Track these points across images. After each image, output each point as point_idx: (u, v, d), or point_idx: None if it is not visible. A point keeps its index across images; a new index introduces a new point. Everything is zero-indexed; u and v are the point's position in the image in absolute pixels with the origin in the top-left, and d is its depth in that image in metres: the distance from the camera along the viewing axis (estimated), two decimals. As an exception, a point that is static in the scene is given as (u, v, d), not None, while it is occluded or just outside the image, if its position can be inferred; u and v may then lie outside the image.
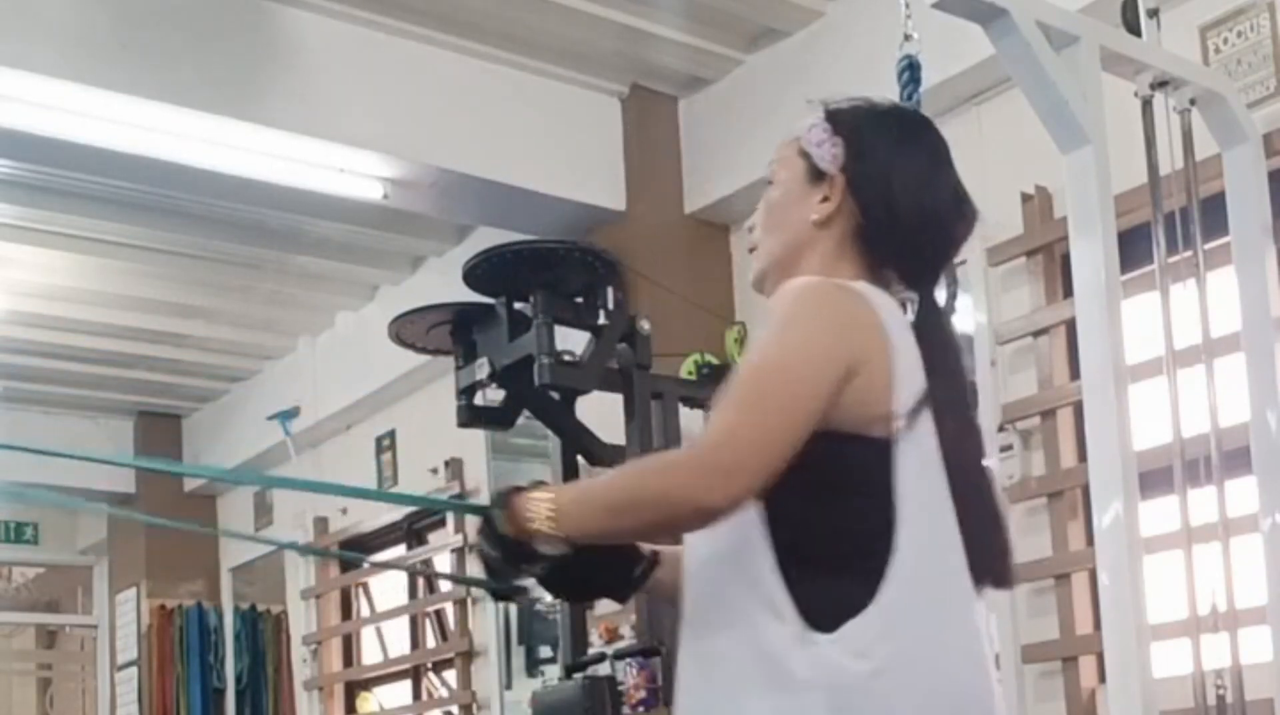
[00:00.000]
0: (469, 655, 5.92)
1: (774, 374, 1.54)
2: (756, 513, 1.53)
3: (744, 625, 1.54)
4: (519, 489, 1.64)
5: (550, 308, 3.77)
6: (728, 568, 1.57)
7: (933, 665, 1.53)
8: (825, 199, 1.69)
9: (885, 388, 1.55)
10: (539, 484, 1.65)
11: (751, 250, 1.79)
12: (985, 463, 1.68)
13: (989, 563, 1.62)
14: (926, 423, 1.59)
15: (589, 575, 1.72)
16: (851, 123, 1.74)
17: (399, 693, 6.74)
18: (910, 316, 1.66)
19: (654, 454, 1.54)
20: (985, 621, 1.64)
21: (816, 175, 1.72)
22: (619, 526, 1.60)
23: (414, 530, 6.52)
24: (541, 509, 1.58)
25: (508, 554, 1.63)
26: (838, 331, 1.55)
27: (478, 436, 5.50)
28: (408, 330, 5.02)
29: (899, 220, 1.67)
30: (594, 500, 1.60)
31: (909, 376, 1.58)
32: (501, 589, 1.73)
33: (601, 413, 3.93)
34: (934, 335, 1.65)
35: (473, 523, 1.72)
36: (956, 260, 1.76)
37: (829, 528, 1.55)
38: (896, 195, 1.68)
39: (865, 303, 1.59)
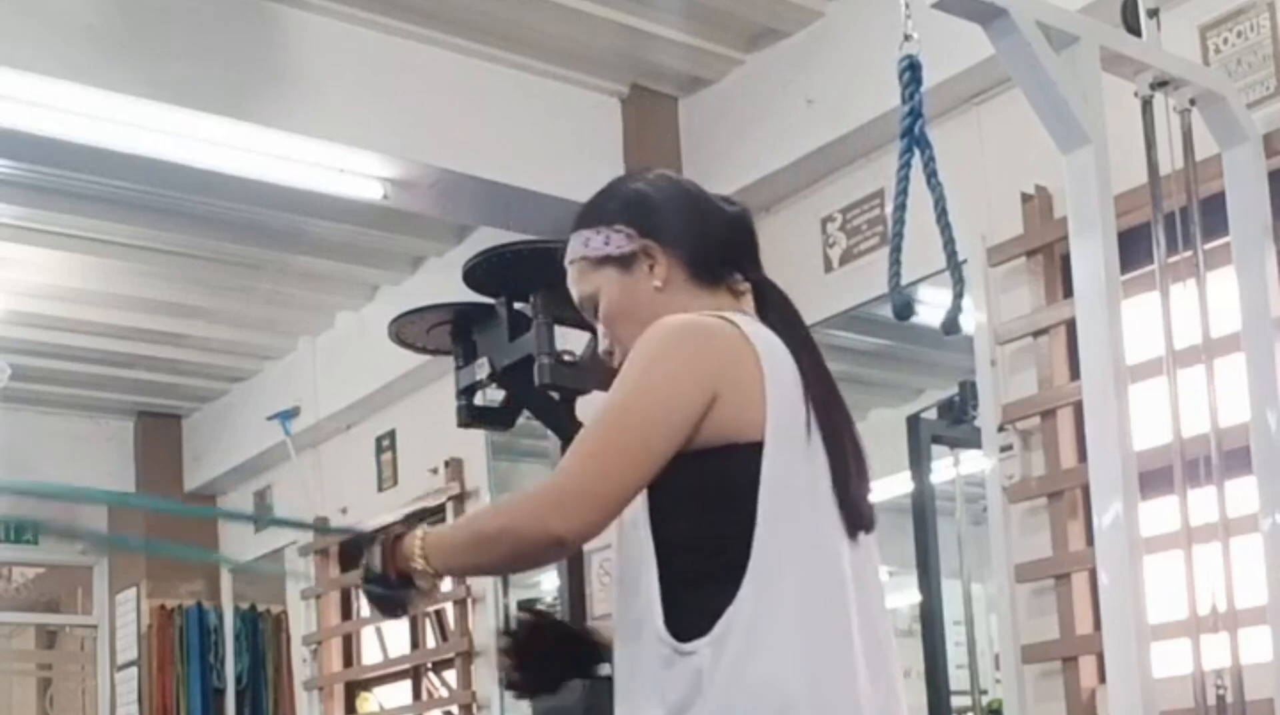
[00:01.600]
0: (469, 655, 5.92)
1: (626, 413, 1.64)
2: (647, 534, 1.64)
3: (638, 644, 1.66)
4: (400, 534, 1.75)
5: (550, 308, 3.77)
6: (630, 589, 1.68)
7: (790, 666, 1.58)
8: (651, 268, 1.79)
9: (757, 401, 1.63)
10: (417, 524, 1.78)
11: (610, 353, 1.85)
12: (859, 442, 1.76)
13: (855, 511, 1.69)
14: (800, 420, 1.66)
15: (552, 670, 1.90)
16: (605, 210, 1.85)
17: (399, 693, 6.75)
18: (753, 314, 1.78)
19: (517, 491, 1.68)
20: (866, 625, 1.67)
21: (625, 263, 1.80)
22: (479, 561, 1.78)
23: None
24: (415, 547, 1.71)
25: (386, 592, 1.75)
26: (696, 363, 1.64)
27: (478, 436, 5.50)
28: (408, 330, 5.02)
29: (707, 227, 1.81)
30: (457, 537, 1.76)
31: (781, 382, 1.66)
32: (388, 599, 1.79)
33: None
34: (785, 317, 1.79)
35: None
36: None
37: (702, 540, 1.63)
38: (687, 214, 1.82)
39: (726, 325, 1.68)
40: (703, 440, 1.62)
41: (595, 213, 1.86)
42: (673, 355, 1.65)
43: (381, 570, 1.73)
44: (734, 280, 1.82)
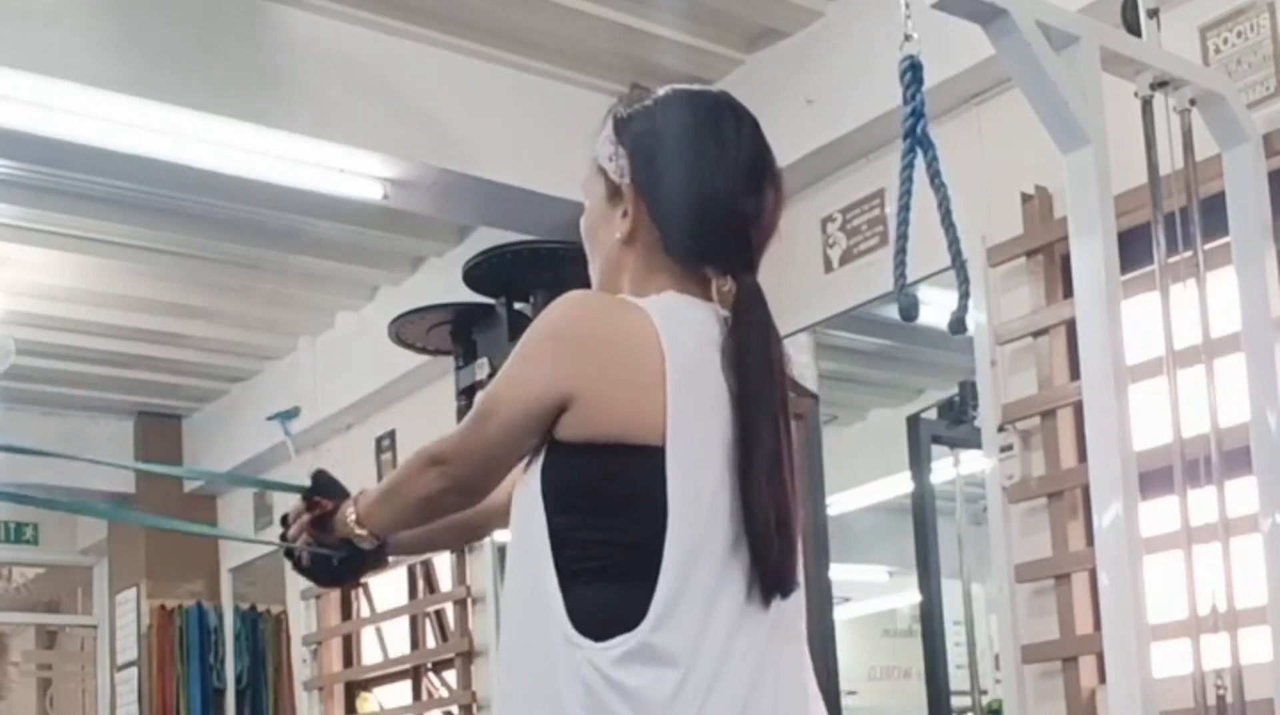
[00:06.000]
0: (469, 655, 5.93)
1: (489, 394, 1.66)
2: (544, 528, 1.58)
3: (531, 630, 1.58)
4: (328, 511, 1.90)
5: (550, 308, 3.76)
6: (522, 578, 1.61)
7: (698, 688, 1.51)
8: (625, 214, 1.68)
9: (647, 404, 1.54)
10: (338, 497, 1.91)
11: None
12: (783, 461, 1.61)
13: (766, 570, 1.57)
14: (714, 427, 1.57)
15: (336, 564, 1.93)
16: (633, 127, 1.71)
17: (399, 693, 6.75)
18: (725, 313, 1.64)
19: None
20: (772, 632, 1.59)
21: (614, 192, 1.69)
22: (401, 513, 1.81)
23: (414, 530, 6.52)
24: (349, 517, 1.84)
25: (328, 564, 1.92)
26: (552, 363, 1.58)
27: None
28: (408, 330, 5.03)
29: (686, 218, 1.65)
30: (379, 496, 1.82)
31: (693, 392, 1.56)
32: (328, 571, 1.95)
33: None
34: (749, 327, 1.62)
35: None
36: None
37: (600, 540, 1.55)
38: (675, 194, 1.66)
39: (638, 320, 1.57)
40: (572, 436, 1.57)
41: (627, 122, 1.72)
42: (535, 350, 1.61)
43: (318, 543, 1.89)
44: (710, 272, 1.65)
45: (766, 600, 1.57)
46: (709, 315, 1.63)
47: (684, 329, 1.59)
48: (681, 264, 1.65)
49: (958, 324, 2.53)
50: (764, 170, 1.70)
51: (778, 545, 1.58)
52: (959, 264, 2.51)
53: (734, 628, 1.55)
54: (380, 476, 6.49)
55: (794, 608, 1.63)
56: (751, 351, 1.61)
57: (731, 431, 1.58)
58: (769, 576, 1.57)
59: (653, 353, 1.56)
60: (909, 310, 2.49)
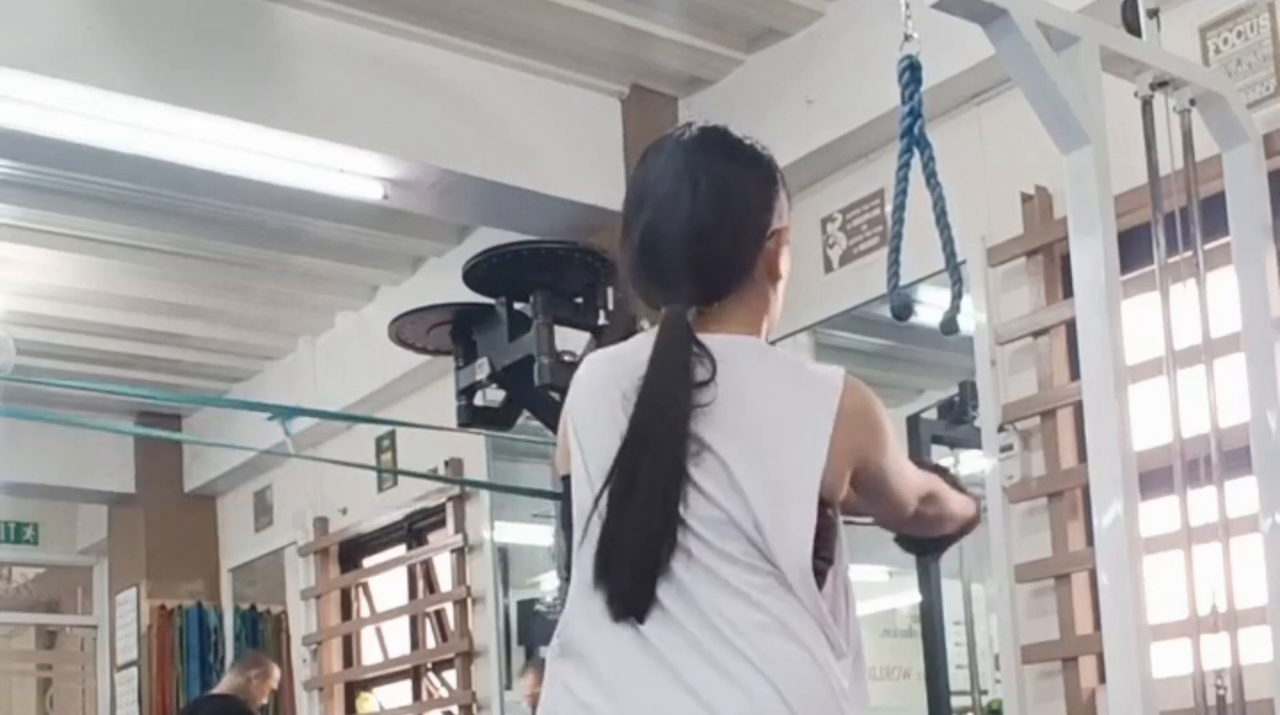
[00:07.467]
0: (469, 655, 5.93)
1: None
2: None
3: None
4: None
5: (550, 308, 3.77)
6: None
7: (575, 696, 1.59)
8: None
9: (568, 436, 1.67)
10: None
11: None
12: (644, 490, 1.57)
13: (607, 592, 1.57)
14: (593, 463, 1.62)
15: None
16: None
17: (399, 693, 6.75)
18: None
19: None
20: (652, 649, 1.56)
21: None
22: None
23: (414, 530, 6.53)
24: None
25: None
26: None
27: (478, 436, 5.50)
28: (408, 330, 5.02)
29: (627, 246, 1.71)
30: None
31: (593, 417, 1.63)
32: None
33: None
34: (650, 359, 1.61)
35: None
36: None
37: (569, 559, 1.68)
38: (622, 226, 1.72)
39: (580, 369, 1.72)
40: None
41: None
42: None
43: None
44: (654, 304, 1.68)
45: (616, 620, 1.57)
46: (633, 340, 1.71)
47: (613, 364, 1.66)
48: (647, 304, 1.71)
49: (949, 324, 2.52)
50: (677, 189, 1.66)
51: (614, 570, 1.58)
52: (952, 264, 2.50)
53: (613, 641, 1.58)
54: (379, 479, 6.53)
55: (698, 625, 1.55)
56: (640, 381, 1.60)
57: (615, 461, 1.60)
58: (611, 598, 1.58)
59: (572, 391, 1.70)
60: (901, 311, 2.49)
